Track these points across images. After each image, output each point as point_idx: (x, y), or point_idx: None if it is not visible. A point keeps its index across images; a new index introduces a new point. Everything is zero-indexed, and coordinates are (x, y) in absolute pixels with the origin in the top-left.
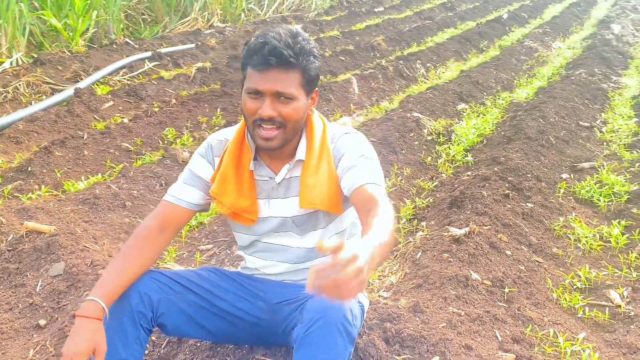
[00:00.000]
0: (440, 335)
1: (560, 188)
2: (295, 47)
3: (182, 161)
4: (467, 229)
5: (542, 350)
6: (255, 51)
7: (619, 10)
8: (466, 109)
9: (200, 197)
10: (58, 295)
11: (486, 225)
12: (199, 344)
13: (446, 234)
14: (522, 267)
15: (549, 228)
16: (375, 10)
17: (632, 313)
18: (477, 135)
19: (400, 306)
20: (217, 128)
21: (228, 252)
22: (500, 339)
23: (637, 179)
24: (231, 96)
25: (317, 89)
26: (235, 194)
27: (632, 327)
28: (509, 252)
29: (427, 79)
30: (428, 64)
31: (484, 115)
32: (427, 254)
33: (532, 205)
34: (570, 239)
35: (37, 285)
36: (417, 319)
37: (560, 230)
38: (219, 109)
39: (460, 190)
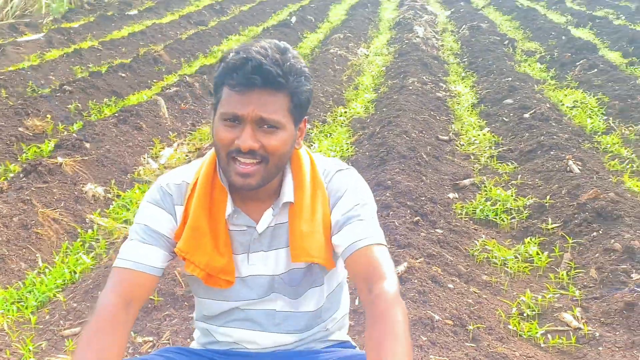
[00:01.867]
0: None
1: (455, 209)
2: (284, 65)
3: None
4: (405, 265)
5: None
6: (236, 68)
7: (410, 11)
8: (312, 130)
9: (164, 259)
10: None
11: (418, 259)
12: None
13: None
14: (470, 300)
15: (469, 254)
16: (129, 14)
17: (597, 334)
18: (340, 157)
19: None
20: None
21: None
22: None
23: (523, 191)
24: None
25: (306, 117)
26: (210, 250)
27: (600, 349)
28: (451, 286)
29: None
30: None
31: (331, 134)
32: None
33: (442, 231)
34: (495, 263)
35: None
36: None
37: (480, 255)
38: None
39: None
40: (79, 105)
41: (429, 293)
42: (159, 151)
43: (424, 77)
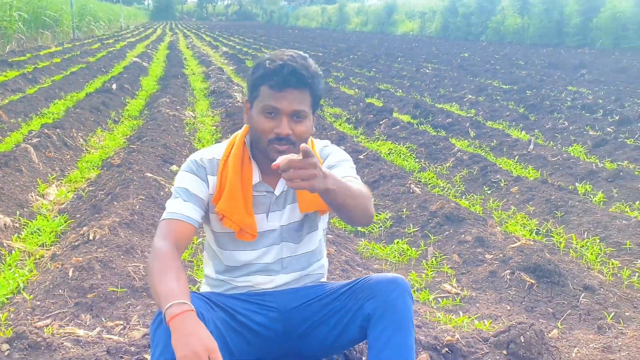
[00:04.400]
0: None
1: (333, 222)
2: (309, 69)
3: None
4: (325, 252)
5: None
6: (275, 72)
7: (220, 82)
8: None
9: (200, 215)
10: None
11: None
12: None
13: None
14: None
15: (357, 252)
16: None
17: (473, 295)
18: None
19: None
20: None
21: (78, 321)
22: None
23: (379, 210)
24: None
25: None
26: (243, 210)
27: (478, 305)
28: (359, 268)
29: (92, 147)
30: (80, 134)
31: None
32: None
33: (332, 236)
34: (380, 257)
35: None
36: None
37: (366, 252)
38: None
39: None
40: None
41: (349, 271)
42: (44, 190)
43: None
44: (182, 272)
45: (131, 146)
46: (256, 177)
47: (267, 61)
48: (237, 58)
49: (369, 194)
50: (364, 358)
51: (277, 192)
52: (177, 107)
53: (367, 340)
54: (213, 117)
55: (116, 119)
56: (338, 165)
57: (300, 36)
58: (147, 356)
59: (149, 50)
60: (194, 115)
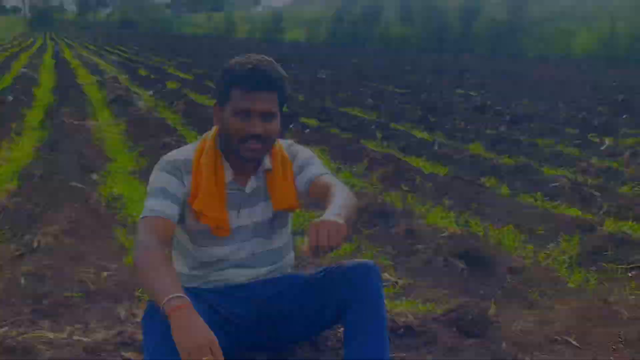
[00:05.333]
0: None
1: None
2: (277, 72)
3: None
4: None
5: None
6: (246, 75)
7: (119, 91)
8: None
9: (178, 211)
10: None
11: None
12: None
13: None
14: None
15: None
16: None
17: (412, 281)
18: None
19: None
20: None
21: (36, 328)
22: None
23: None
24: None
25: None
26: (218, 207)
27: (417, 291)
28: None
29: (1, 159)
30: None
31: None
32: None
33: None
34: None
35: None
36: None
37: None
38: None
39: None
40: None
41: (297, 266)
42: None
43: (171, 137)
44: (172, 266)
45: (48, 157)
46: (229, 175)
47: (237, 65)
48: (129, 66)
49: (349, 193)
50: (329, 342)
51: (247, 190)
52: (81, 116)
53: (342, 323)
54: (119, 125)
55: (18, 130)
56: (310, 164)
57: (189, 44)
58: (125, 353)
59: (34, 61)
60: (98, 124)
